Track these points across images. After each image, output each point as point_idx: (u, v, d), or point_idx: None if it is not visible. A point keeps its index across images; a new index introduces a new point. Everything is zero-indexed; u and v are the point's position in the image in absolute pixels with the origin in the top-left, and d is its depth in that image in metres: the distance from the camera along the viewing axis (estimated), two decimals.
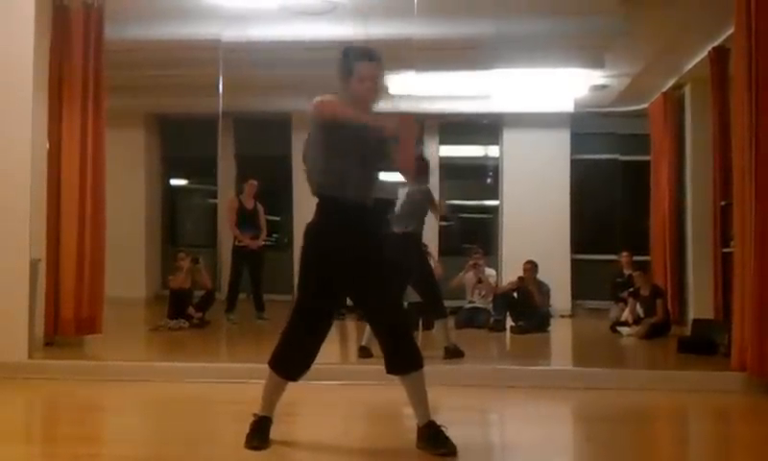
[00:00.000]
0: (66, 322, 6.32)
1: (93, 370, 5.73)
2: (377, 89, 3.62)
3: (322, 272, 3.58)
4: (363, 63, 3.58)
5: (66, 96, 6.32)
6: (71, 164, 6.34)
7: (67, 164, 6.34)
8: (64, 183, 6.34)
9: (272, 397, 3.73)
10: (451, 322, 7.59)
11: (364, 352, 6.10)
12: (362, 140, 3.52)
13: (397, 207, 6.24)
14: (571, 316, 10.37)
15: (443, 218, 7.41)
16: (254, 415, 3.72)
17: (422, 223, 6.44)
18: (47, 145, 6.25)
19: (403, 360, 3.57)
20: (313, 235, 3.61)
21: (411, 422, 3.68)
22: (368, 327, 6.17)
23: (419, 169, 6.35)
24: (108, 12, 6.49)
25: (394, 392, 3.71)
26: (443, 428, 3.59)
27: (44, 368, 5.71)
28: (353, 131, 3.49)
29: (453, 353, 6.17)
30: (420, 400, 3.61)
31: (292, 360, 3.65)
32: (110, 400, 5.18)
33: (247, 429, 3.70)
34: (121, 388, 5.37)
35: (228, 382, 5.45)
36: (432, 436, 3.56)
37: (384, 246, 3.74)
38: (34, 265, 5.95)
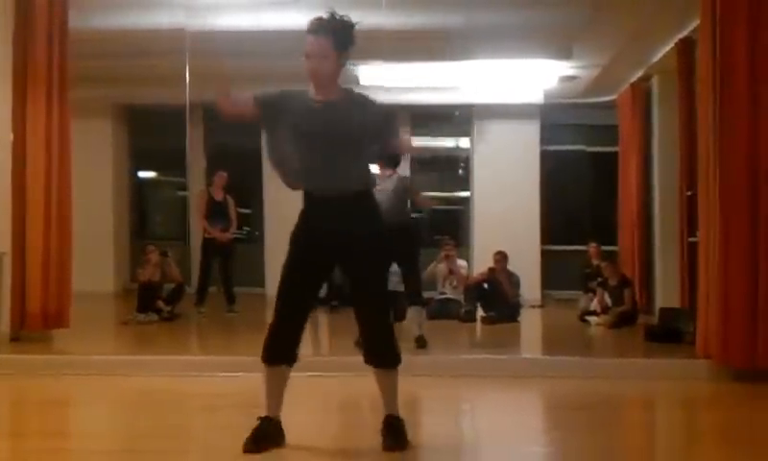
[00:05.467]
0: (33, 316, 6.23)
1: (61, 364, 5.66)
2: (319, 67, 3.42)
3: (303, 253, 3.54)
4: (307, 38, 3.45)
5: (30, 86, 6.23)
6: (36, 156, 6.25)
7: (32, 156, 6.24)
8: (29, 175, 6.25)
9: (270, 393, 3.58)
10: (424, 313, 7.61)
11: (420, 342, 6.23)
12: (317, 134, 3.45)
13: (385, 201, 6.21)
14: (541, 306, 10.46)
15: (421, 207, 7.46)
16: (258, 418, 3.57)
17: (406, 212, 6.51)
18: (11, 137, 6.15)
19: (379, 356, 3.57)
20: (299, 219, 3.59)
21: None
22: (414, 313, 6.35)
23: (395, 158, 6.46)
24: (72, 1, 6.39)
25: (364, 383, 3.72)
26: (399, 422, 3.57)
27: (11, 363, 5.64)
28: (305, 125, 3.45)
29: (422, 343, 6.22)
30: (386, 393, 3.61)
31: (276, 344, 3.56)
32: (79, 395, 5.13)
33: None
34: (90, 382, 5.31)
35: (198, 375, 5.42)
36: (386, 429, 3.57)
37: (371, 236, 3.57)
38: None
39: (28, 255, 6.23)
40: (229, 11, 7.35)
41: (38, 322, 6.26)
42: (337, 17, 3.48)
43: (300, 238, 3.57)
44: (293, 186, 3.61)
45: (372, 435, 3.61)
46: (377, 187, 6.24)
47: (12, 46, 6.13)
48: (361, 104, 3.54)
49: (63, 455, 3.65)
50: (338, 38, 3.46)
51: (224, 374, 5.28)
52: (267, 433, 3.54)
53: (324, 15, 3.47)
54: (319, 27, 3.45)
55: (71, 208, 6.48)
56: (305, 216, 3.58)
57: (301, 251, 3.55)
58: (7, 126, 6.07)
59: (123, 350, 6.93)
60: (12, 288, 6.15)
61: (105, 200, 11.57)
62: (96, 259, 10.84)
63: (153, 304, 8.21)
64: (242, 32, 7.60)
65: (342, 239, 3.50)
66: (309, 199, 3.57)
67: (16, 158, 6.19)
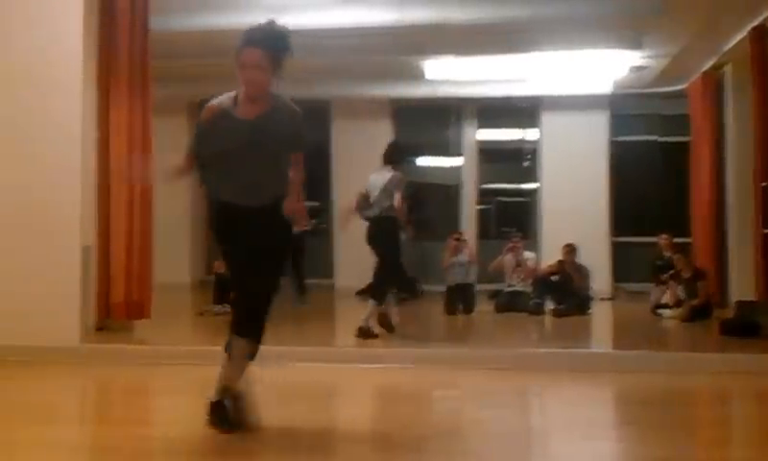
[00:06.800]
0: (117, 307, 6.49)
1: (143, 354, 5.90)
2: (255, 77, 3.47)
3: (225, 242, 3.73)
4: (243, 49, 3.46)
5: (114, 86, 6.47)
6: (119, 153, 6.49)
7: (116, 153, 6.49)
8: (113, 172, 6.50)
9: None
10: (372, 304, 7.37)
11: (363, 333, 6.29)
12: (243, 151, 3.51)
13: (375, 193, 6.54)
14: (612, 299, 10.33)
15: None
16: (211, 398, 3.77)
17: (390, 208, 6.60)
18: (96, 135, 6.42)
19: (245, 325, 3.71)
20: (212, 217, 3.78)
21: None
22: (369, 305, 6.43)
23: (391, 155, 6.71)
24: (152, 3, 6.63)
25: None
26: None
27: (96, 352, 5.90)
28: (232, 143, 3.50)
29: (366, 333, 6.29)
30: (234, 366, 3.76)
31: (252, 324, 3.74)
32: (160, 384, 5.34)
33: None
34: (170, 371, 5.52)
35: (272, 365, 5.56)
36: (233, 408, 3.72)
37: (279, 235, 3.68)
38: (85, 252, 6.14)
39: (112, 249, 6.48)
40: (302, 9, 7.50)
41: (122, 312, 6.51)
42: (274, 27, 3.51)
43: (216, 230, 3.74)
44: (209, 193, 3.74)
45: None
46: (372, 176, 6.58)
47: (97, 48, 6.39)
48: (289, 116, 3.59)
49: (146, 442, 3.79)
50: (274, 49, 3.50)
51: (297, 363, 5.42)
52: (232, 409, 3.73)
53: (262, 25, 3.50)
54: (254, 38, 3.48)
55: (152, 203, 6.71)
56: (218, 218, 3.72)
57: (228, 242, 3.70)
58: (92, 124, 6.32)
59: (200, 340, 7.15)
60: (97, 280, 6.42)
61: (182, 194, 11.92)
62: (174, 252, 11.20)
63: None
64: (314, 30, 7.74)
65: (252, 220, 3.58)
66: (223, 206, 3.67)
67: (101, 156, 6.44)
